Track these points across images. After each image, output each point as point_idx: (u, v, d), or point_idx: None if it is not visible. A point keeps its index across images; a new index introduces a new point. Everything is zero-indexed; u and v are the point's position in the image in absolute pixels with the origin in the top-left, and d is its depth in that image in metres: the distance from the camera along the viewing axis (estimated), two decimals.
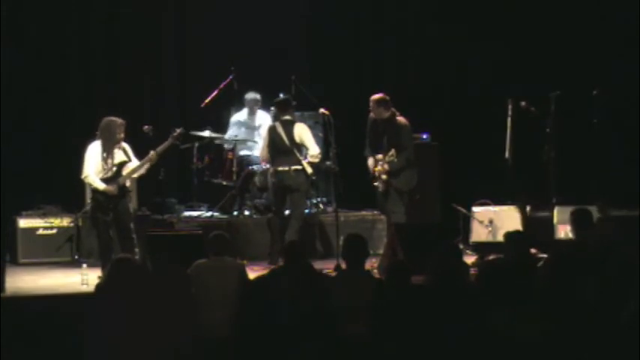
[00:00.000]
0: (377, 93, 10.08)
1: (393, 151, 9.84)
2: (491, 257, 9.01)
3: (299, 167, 10.21)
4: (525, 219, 10.51)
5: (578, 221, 7.99)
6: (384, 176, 9.91)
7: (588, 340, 4.80)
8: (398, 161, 9.88)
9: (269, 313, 5.83)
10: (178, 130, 9.89)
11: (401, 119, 10.06)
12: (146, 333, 5.77)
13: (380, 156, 9.94)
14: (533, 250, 9.46)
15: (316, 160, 10.35)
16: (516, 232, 7.35)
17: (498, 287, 5.39)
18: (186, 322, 6.27)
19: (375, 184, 10.15)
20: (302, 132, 10.32)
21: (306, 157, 10.29)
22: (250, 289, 7.02)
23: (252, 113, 11.88)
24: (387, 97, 10.04)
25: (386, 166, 9.91)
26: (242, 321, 6.49)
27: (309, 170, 10.27)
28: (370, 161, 10.07)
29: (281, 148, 10.26)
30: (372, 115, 10.17)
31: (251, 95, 11.80)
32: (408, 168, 9.95)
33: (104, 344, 5.78)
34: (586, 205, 8.92)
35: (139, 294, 6.01)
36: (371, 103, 10.06)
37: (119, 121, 9.56)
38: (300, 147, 10.31)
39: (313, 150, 10.30)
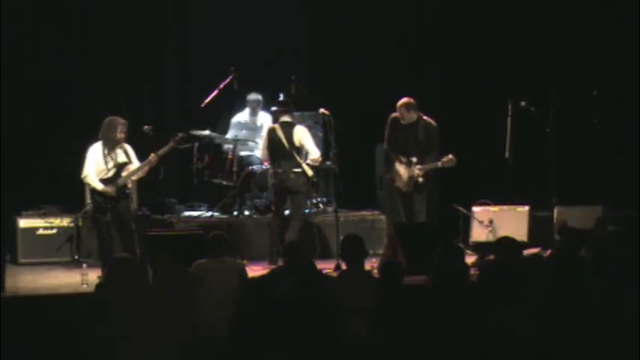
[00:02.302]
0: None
1: (415, 160, 10.17)
2: (491, 257, 9.00)
3: (299, 170, 10.22)
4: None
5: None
6: (420, 179, 10.08)
7: (588, 341, 4.80)
8: (429, 165, 10.19)
9: (269, 313, 5.82)
10: (180, 135, 9.94)
11: (429, 119, 10.23)
12: (146, 333, 5.76)
13: (415, 159, 10.12)
14: (535, 250, 9.50)
15: (316, 163, 10.35)
16: (506, 238, 7.34)
17: (498, 287, 5.39)
18: (186, 322, 6.27)
19: (397, 184, 10.23)
20: (302, 135, 10.32)
21: (306, 159, 10.29)
22: (250, 289, 7.02)
23: (254, 114, 11.88)
24: (413, 101, 10.21)
25: (421, 171, 10.14)
26: (242, 321, 6.48)
27: (310, 173, 10.27)
28: (397, 165, 10.18)
29: (280, 150, 10.26)
30: (394, 114, 10.28)
31: (253, 96, 11.79)
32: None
33: (104, 344, 5.77)
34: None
35: (139, 294, 6.01)
36: (400, 109, 10.21)
37: (120, 120, 9.58)
38: (300, 149, 10.31)
39: (314, 154, 10.29)
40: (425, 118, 10.31)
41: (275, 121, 10.75)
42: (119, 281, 6.04)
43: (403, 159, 10.28)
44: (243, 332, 5.68)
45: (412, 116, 10.24)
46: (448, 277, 5.69)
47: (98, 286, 6.93)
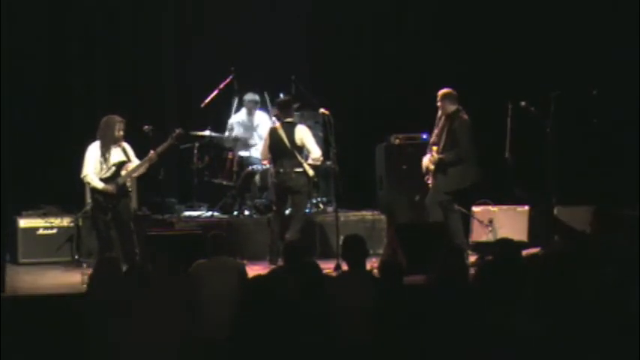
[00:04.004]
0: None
1: (436, 148, 9.99)
2: (490, 257, 9.00)
3: (300, 169, 10.22)
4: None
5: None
6: (431, 166, 10.00)
7: (588, 340, 4.80)
8: (447, 156, 9.98)
9: (269, 313, 5.82)
10: (178, 131, 9.93)
11: (462, 115, 10.10)
12: (146, 333, 5.76)
13: (435, 147, 10.03)
14: (535, 250, 9.50)
15: (318, 163, 10.36)
16: (504, 239, 7.34)
17: (497, 287, 5.39)
18: (186, 322, 6.27)
19: (427, 178, 10.16)
20: (303, 135, 10.32)
21: (307, 159, 10.30)
22: (250, 288, 7.01)
23: (250, 114, 11.89)
24: (454, 92, 10.10)
25: (435, 157, 10.01)
26: (242, 321, 6.48)
27: (311, 172, 10.27)
28: (426, 155, 10.14)
29: (282, 150, 10.26)
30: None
31: (250, 97, 11.80)
32: (460, 166, 10.00)
33: (102, 344, 5.78)
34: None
35: (131, 294, 6.00)
36: (438, 97, 10.13)
37: (118, 118, 9.60)
38: (301, 149, 10.32)
39: (315, 153, 10.30)
40: (461, 114, 10.11)
41: (277, 120, 10.75)
42: (103, 281, 6.04)
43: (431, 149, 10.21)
44: (242, 332, 5.68)
45: (447, 107, 10.07)
46: (448, 277, 5.70)
47: (83, 294, 6.91)
